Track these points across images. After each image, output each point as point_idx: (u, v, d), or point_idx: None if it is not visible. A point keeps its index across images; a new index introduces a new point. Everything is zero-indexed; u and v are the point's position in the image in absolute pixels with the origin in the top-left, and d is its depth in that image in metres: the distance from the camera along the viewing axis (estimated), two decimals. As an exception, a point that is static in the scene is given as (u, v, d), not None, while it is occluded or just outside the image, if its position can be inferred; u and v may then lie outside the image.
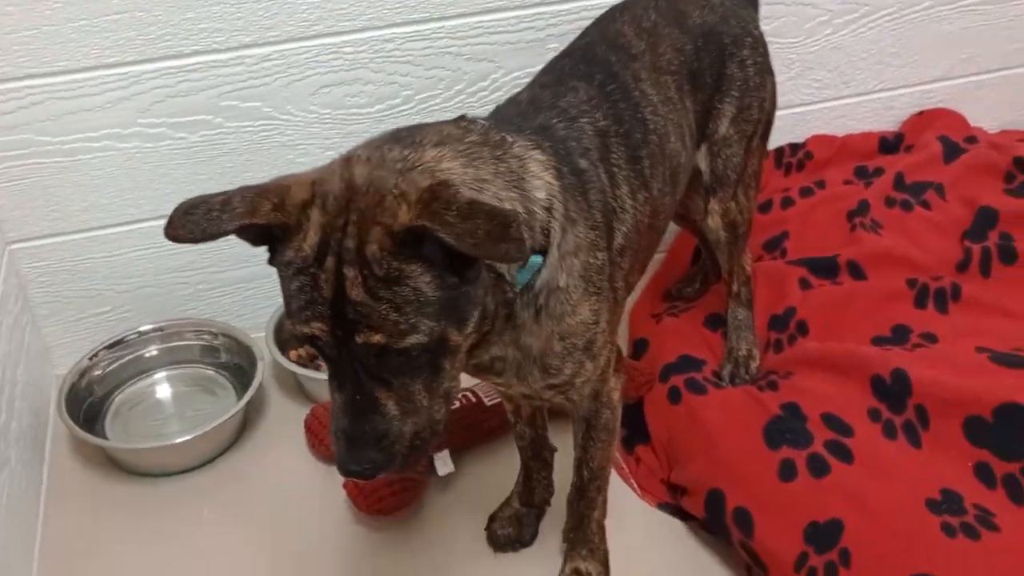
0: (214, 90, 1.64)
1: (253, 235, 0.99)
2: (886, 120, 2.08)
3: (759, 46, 1.50)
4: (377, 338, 0.92)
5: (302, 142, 1.74)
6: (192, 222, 0.98)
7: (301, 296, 0.94)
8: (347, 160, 0.99)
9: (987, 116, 2.12)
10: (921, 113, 2.07)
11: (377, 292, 0.91)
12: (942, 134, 1.96)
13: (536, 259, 1.06)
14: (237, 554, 1.50)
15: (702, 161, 1.50)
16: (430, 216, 0.89)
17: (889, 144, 2.03)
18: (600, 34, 1.37)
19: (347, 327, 0.92)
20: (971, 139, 1.96)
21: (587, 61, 1.31)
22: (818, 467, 1.35)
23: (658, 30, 1.37)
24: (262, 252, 1.67)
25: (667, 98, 1.33)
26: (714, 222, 1.55)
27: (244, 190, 0.97)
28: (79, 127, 1.61)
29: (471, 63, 1.75)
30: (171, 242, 0.98)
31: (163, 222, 1.78)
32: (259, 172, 1.75)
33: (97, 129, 1.62)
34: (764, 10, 1.84)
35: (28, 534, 1.50)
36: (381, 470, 0.99)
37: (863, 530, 1.27)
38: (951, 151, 1.90)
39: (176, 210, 0.99)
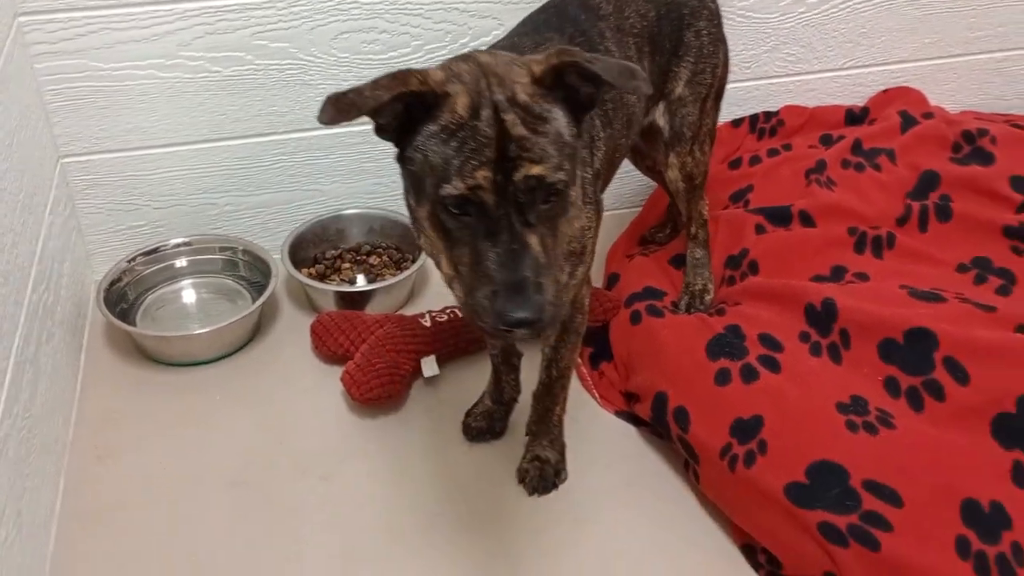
0: (247, 30, 1.86)
1: (393, 116, 1.09)
2: (854, 96, 2.28)
3: (714, 18, 1.69)
4: (537, 170, 1.05)
5: (323, 83, 1.96)
6: (346, 103, 1.05)
7: (463, 151, 1.05)
8: (462, 57, 1.14)
9: (949, 98, 2.32)
10: (886, 91, 2.26)
11: (536, 127, 1.06)
12: (903, 109, 2.15)
13: None
14: (244, 433, 1.72)
15: (661, 118, 1.69)
16: (569, 55, 1.07)
17: (855, 117, 2.22)
18: None
19: (508, 168, 1.04)
20: (928, 115, 2.15)
21: (560, 16, 1.50)
22: (749, 375, 1.55)
23: None
24: (283, 181, 1.94)
25: (627, 56, 1.52)
26: (673, 174, 1.75)
27: (382, 77, 1.06)
28: (128, 56, 1.83)
29: (476, 19, 1.96)
30: (323, 125, 1.06)
31: (197, 147, 2.05)
32: (283, 107, 1.97)
33: (144, 59, 1.85)
34: (742, -14, 2.06)
35: (67, 403, 1.73)
36: (542, 317, 1.05)
37: (779, 425, 1.47)
38: (908, 123, 2.09)
39: (327, 100, 1.05)
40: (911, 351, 1.53)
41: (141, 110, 1.90)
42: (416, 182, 1.13)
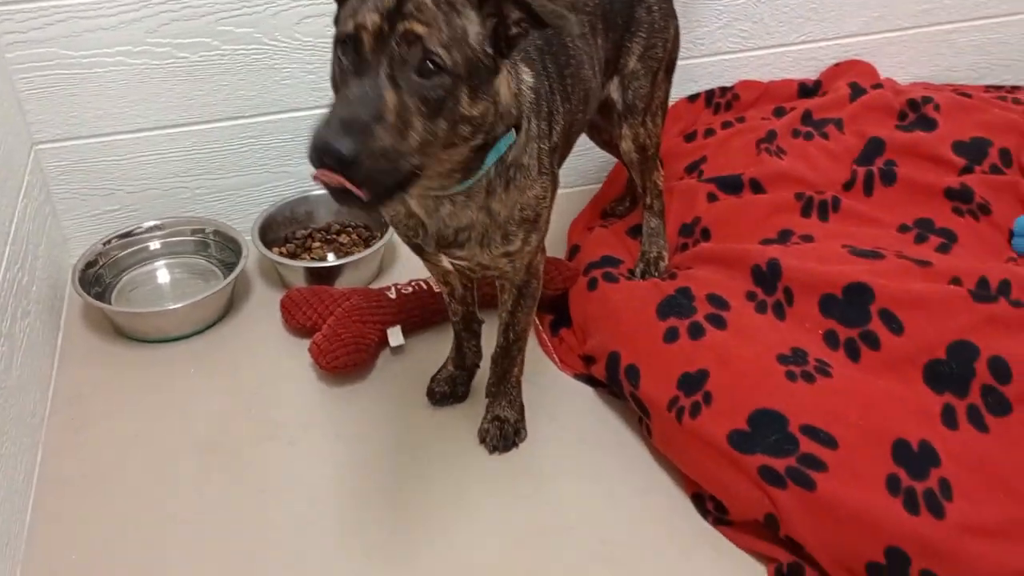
0: (212, 16, 1.92)
1: None
2: (807, 70, 2.34)
3: None
4: (420, 29, 1.08)
5: (288, 66, 2.02)
6: None
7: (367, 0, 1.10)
8: None
9: (900, 70, 2.38)
10: (838, 64, 2.33)
11: (442, 7, 1.11)
12: (853, 81, 2.22)
13: (512, 135, 1.32)
14: (215, 403, 1.78)
15: (615, 92, 1.75)
16: None
17: (808, 90, 2.29)
18: None
19: (396, 21, 1.08)
20: (878, 86, 2.22)
21: None
22: (696, 332, 1.62)
23: None
24: (252, 164, 2.01)
25: (583, 34, 1.58)
26: (627, 145, 1.81)
27: None
28: (96, 44, 1.89)
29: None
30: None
31: (167, 131, 2.12)
32: (250, 91, 2.04)
33: (112, 46, 1.91)
34: (694, -36, 2.12)
35: (44, 379, 1.79)
36: (354, 156, 1.04)
37: (723, 377, 1.54)
38: (857, 94, 2.16)
39: None
40: (849, 305, 1.60)
41: (111, 96, 1.97)
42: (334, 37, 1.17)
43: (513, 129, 1.32)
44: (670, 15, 1.77)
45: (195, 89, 2.00)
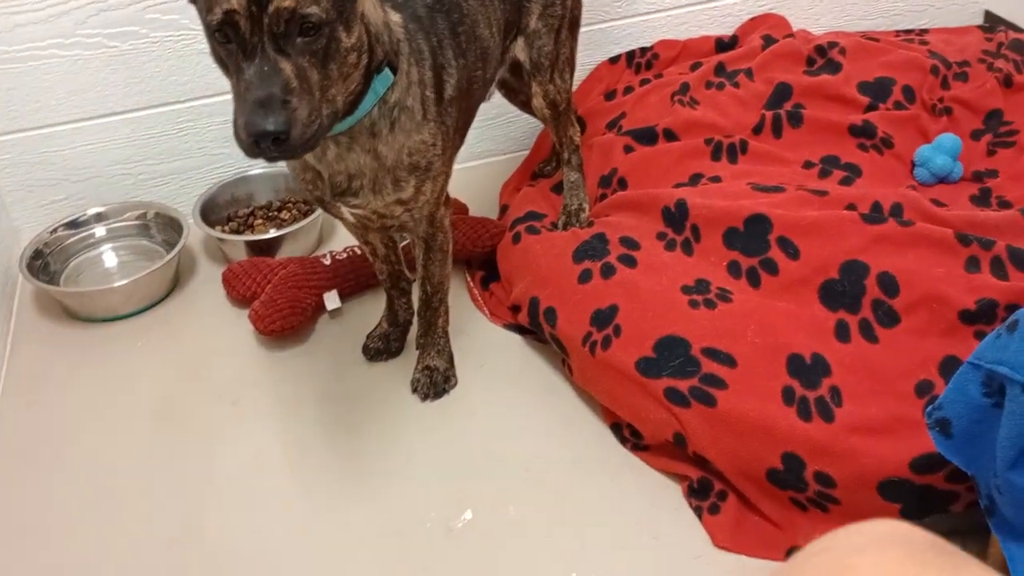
0: (138, 4, 1.99)
1: None
2: (724, 26, 2.43)
3: None
4: (287, 3, 1.13)
5: (217, 51, 2.10)
6: None
7: None
8: None
9: (814, 22, 2.47)
10: (753, 19, 2.41)
11: None
12: (766, 33, 2.31)
13: (390, 74, 1.40)
14: (163, 373, 1.86)
15: (521, 52, 1.83)
16: None
17: (725, 45, 2.37)
18: None
19: (262, 0, 1.13)
20: (789, 36, 2.30)
21: None
22: (608, 271, 1.71)
23: None
24: (191, 148, 2.08)
25: None
26: (537, 102, 1.89)
27: None
28: (28, 37, 1.97)
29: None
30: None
31: (105, 120, 2.19)
32: (183, 76, 2.12)
33: (43, 39, 1.98)
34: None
35: (-3, 360, 1.88)
36: (288, 132, 1.15)
37: (632, 310, 1.62)
38: (769, 45, 2.25)
39: None
40: (750, 236, 1.68)
41: (46, 89, 2.04)
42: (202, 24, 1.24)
43: (388, 70, 1.40)
44: None
45: (129, 78, 2.08)
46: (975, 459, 1.22)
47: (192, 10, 1.99)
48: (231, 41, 1.18)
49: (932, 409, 1.24)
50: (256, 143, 1.16)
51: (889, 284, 1.55)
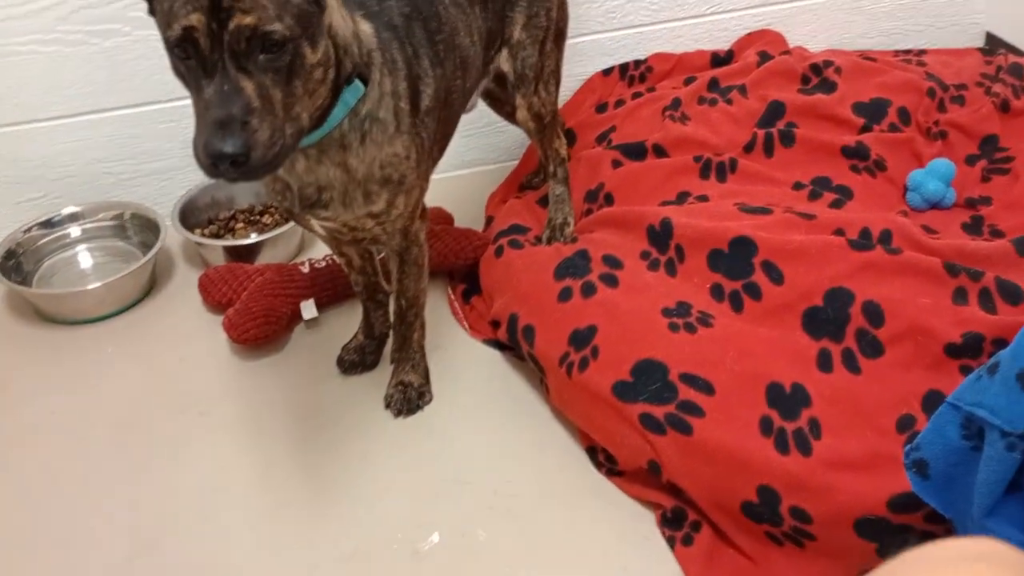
0: (120, 2, 1.96)
1: None
2: (720, 40, 2.38)
3: None
4: (248, 20, 1.10)
5: (201, 51, 2.06)
6: None
7: None
8: None
9: (811, 39, 2.42)
10: (750, 34, 2.37)
11: None
12: (762, 50, 2.27)
13: (361, 86, 1.36)
14: (132, 380, 1.82)
15: (505, 63, 1.79)
16: None
17: (720, 60, 2.33)
18: None
19: (222, 17, 1.10)
20: (785, 53, 2.26)
21: None
22: (588, 290, 1.66)
23: None
24: (172, 148, 2.04)
25: (457, 3, 1.61)
26: (522, 115, 1.85)
27: None
28: (8, 32, 1.93)
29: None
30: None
31: (85, 118, 2.15)
32: (166, 75, 2.04)
33: (24, 34, 1.94)
34: (597, -63, 2.17)
35: (-36, 361, 1.84)
36: (247, 155, 1.11)
37: (610, 332, 1.58)
38: (764, 61, 2.21)
39: None
40: (734, 258, 1.64)
41: (25, 85, 2.00)
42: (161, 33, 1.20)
43: (359, 81, 1.36)
44: None
45: (111, 75, 2.04)
46: (952, 502, 1.18)
47: None
48: (190, 57, 1.14)
49: (910, 449, 1.19)
50: (215, 165, 1.13)
51: (874, 313, 1.51)
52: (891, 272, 1.55)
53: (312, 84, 1.24)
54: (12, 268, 2.00)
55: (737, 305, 1.61)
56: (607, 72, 2.33)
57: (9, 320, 1.99)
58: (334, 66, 1.29)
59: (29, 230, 2.07)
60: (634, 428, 1.48)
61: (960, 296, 1.52)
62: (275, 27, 1.13)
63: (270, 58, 1.15)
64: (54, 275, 2.06)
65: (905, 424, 1.40)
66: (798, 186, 1.88)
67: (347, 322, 1.91)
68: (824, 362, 1.50)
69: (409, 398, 1.72)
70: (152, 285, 2.05)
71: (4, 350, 1.91)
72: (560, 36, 1.85)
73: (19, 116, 2.04)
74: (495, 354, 1.85)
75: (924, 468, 1.18)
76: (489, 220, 2.10)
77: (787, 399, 1.44)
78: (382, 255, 1.81)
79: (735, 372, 1.48)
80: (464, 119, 1.77)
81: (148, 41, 2.02)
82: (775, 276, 1.60)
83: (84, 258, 2.10)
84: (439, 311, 1.94)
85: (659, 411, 1.47)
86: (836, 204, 1.83)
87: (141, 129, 2.12)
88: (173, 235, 2.09)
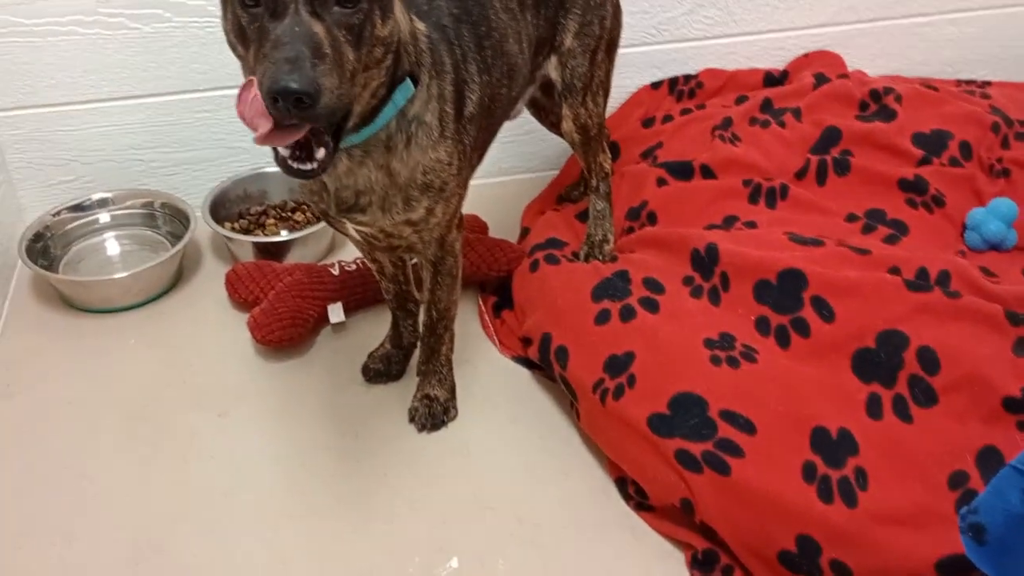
0: (165, -14, 1.93)
1: None
2: (775, 60, 2.31)
3: None
4: None
5: (243, 41, 2.01)
6: None
7: None
8: None
9: (870, 63, 2.34)
10: (807, 55, 2.29)
11: None
12: (819, 71, 2.19)
13: (411, 86, 1.31)
14: (150, 373, 1.78)
15: (553, 71, 1.73)
16: None
17: (774, 79, 2.25)
18: None
19: None
20: (843, 76, 2.18)
21: None
22: (627, 314, 1.60)
23: None
24: (207, 139, 1.98)
25: (508, 7, 1.55)
26: (567, 126, 1.79)
27: None
28: (48, 12, 1.89)
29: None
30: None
31: (120, 103, 2.11)
32: (204, 65, 2.03)
33: (64, 15, 1.90)
34: (657, -52, 2.10)
35: (-17, 344, 1.80)
36: (316, 95, 1.04)
37: (649, 360, 1.52)
38: (820, 84, 2.13)
39: None
40: (782, 291, 1.57)
41: (63, 66, 1.96)
42: None
43: (410, 80, 1.30)
44: None
45: (149, 61, 2.00)
46: (1009, 571, 1.11)
47: None
48: (258, 4, 1.09)
49: (966, 511, 1.12)
50: (276, 101, 1.04)
51: (929, 360, 1.43)
52: (949, 317, 1.48)
53: (374, 58, 1.19)
54: (39, 252, 1.96)
55: (784, 341, 1.54)
56: (656, 85, 2.26)
57: (34, 304, 1.95)
58: (393, 53, 1.24)
59: (58, 213, 2.03)
60: (668, 464, 1.41)
61: (1021, 347, 1.44)
62: None
63: (344, 12, 1.11)
64: (81, 261, 2.02)
65: (958, 480, 1.32)
66: (851, 218, 1.81)
67: (374, 329, 1.86)
68: (874, 408, 1.42)
69: (434, 413, 1.66)
70: (179, 277, 2.01)
71: (26, 334, 1.87)
72: (612, 46, 1.78)
73: (54, 97, 2.00)
74: (524, 372, 1.78)
75: (981, 533, 1.10)
76: (525, 231, 2.04)
77: (832, 445, 1.37)
78: (414, 262, 1.76)
79: (778, 412, 1.41)
80: (504, 125, 1.71)
81: (188, 28, 1.98)
82: (825, 313, 1.52)
83: (112, 245, 2.06)
84: (469, 324, 1.88)
85: (696, 448, 1.40)
86: (890, 239, 1.75)
87: (176, 117, 2.08)
88: (202, 227, 2.04)
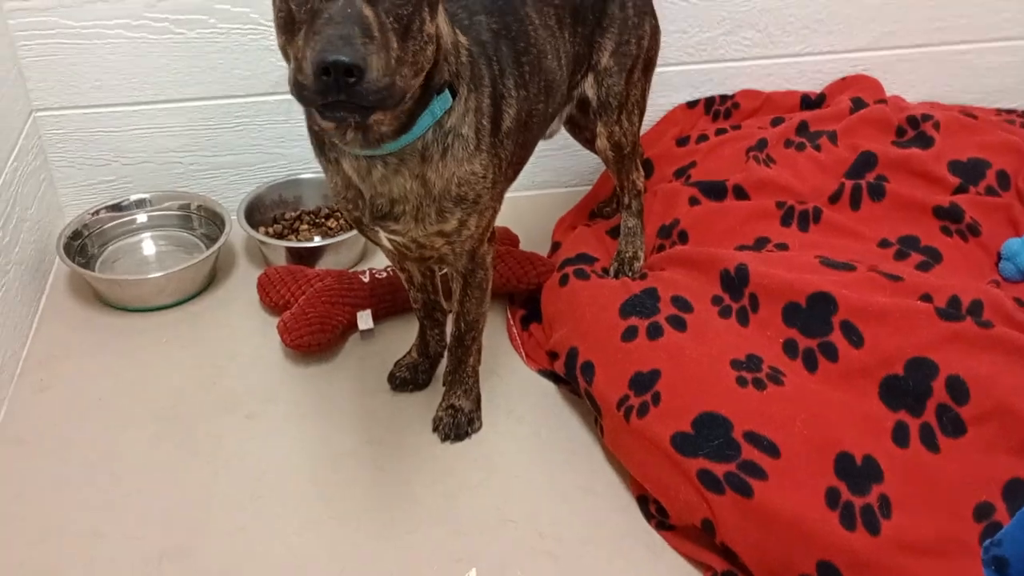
0: (210, -8, 1.96)
1: None
2: (814, 83, 2.30)
3: None
4: None
5: (283, 49, 2.04)
6: None
7: None
8: None
9: (910, 89, 2.33)
10: (844, 78, 2.28)
11: None
12: (856, 96, 2.18)
13: (449, 97, 1.33)
14: (180, 373, 1.80)
15: (589, 89, 1.73)
16: None
17: (811, 102, 2.25)
18: None
19: None
20: (882, 102, 2.17)
21: None
22: (655, 332, 1.60)
23: None
24: (245, 144, 1.96)
25: (547, 25, 1.57)
26: (601, 143, 1.79)
27: None
28: (96, 15, 1.94)
29: None
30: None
31: (162, 106, 2.15)
32: (245, 71, 2.06)
33: (111, 18, 1.94)
34: (696, -32, 2.10)
35: (19, 339, 1.82)
36: (363, 70, 1.07)
37: (674, 378, 1.51)
38: (858, 108, 2.12)
39: None
40: (811, 314, 1.56)
41: (108, 68, 2.00)
42: None
43: (448, 92, 1.31)
44: (646, 12, 1.74)
45: (191, 66, 2.03)
46: (1034, 606, 1.09)
47: (262, 5, 1.99)
48: None
49: (990, 544, 1.11)
50: (324, 73, 1.06)
51: (959, 389, 1.42)
52: (980, 347, 1.46)
53: (424, 55, 1.20)
54: (77, 249, 2.00)
55: (811, 364, 1.53)
56: (691, 105, 2.26)
57: (70, 301, 1.98)
58: (433, 57, 1.25)
59: (97, 212, 2.07)
60: (691, 483, 1.41)
61: (1053, 380, 1.42)
62: None
63: (395, 2, 1.13)
64: (117, 260, 2.06)
65: (983, 512, 1.31)
66: (884, 244, 1.79)
67: (402, 337, 1.87)
68: (900, 436, 1.41)
69: (458, 423, 1.66)
70: (212, 279, 2.03)
71: (62, 330, 1.91)
72: (649, 66, 1.79)
73: (98, 99, 2.04)
74: (550, 386, 1.79)
75: (1004, 567, 1.09)
76: (555, 245, 2.04)
77: (857, 471, 1.36)
78: (443, 272, 1.77)
79: (803, 436, 1.40)
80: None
81: (231, 35, 2.01)
82: (855, 338, 1.51)
83: (148, 245, 2.09)
84: (496, 335, 1.89)
85: (719, 468, 1.39)
86: (923, 266, 1.74)
87: (216, 122, 2.11)
88: (237, 230, 2.07)
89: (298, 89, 1.12)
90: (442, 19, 1.28)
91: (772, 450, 1.39)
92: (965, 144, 2.00)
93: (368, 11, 1.11)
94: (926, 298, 1.58)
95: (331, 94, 1.09)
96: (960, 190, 1.91)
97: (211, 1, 1.96)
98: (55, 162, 2.10)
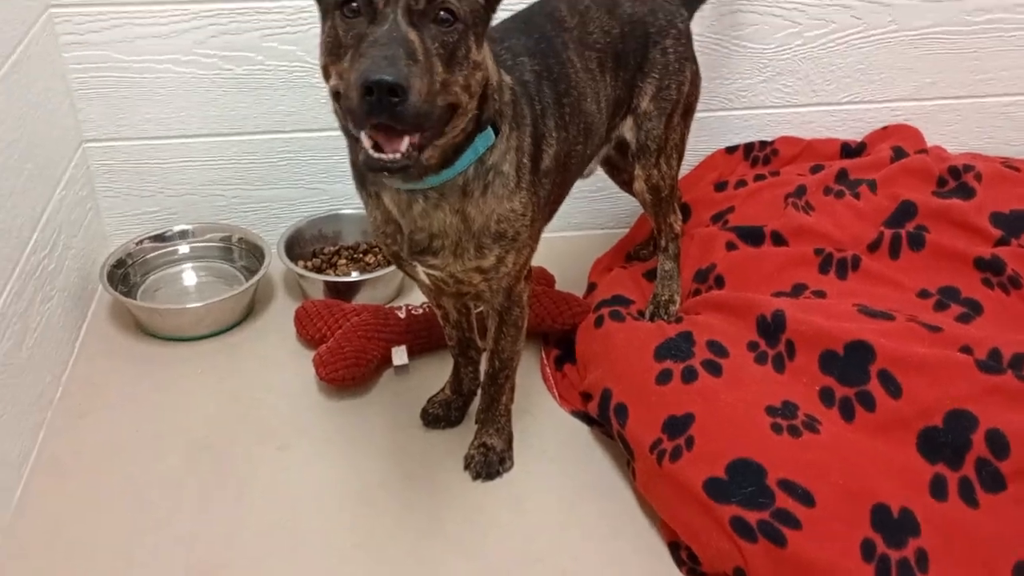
0: (257, 32, 2.00)
1: None
2: (854, 131, 2.29)
3: (682, 37, 1.74)
4: None
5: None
6: None
7: None
8: None
9: (952, 139, 2.31)
10: (885, 127, 2.28)
11: None
12: (897, 145, 2.17)
13: (492, 134, 1.34)
14: (215, 404, 1.82)
15: (628, 132, 1.75)
16: None
17: (851, 151, 2.24)
18: (540, 8, 1.63)
19: None
20: (922, 151, 2.16)
21: (526, 23, 1.58)
22: (689, 376, 1.59)
23: (589, 13, 1.63)
24: (288, 178, 1.99)
25: (588, 68, 1.59)
26: (639, 186, 1.80)
27: None
28: (148, 50, 1.99)
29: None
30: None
31: (209, 140, 2.19)
32: (290, 107, 2.10)
33: (162, 53, 2.00)
34: (737, 17, 2.12)
35: (60, 364, 1.85)
36: (407, 89, 1.08)
37: (708, 423, 1.50)
38: (899, 157, 2.11)
39: None
40: (849, 363, 1.55)
41: (158, 102, 2.05)
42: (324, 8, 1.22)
43: (491, 130, 1.33)
44: (687, 59, 1.76)
45: (238, 101, 2.08)
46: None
47: (309, 43, 2.03)
48: (359, 14, 1.14)
49: (1033, 603, 1.08)
50: (368, 93, 1.07)
51: (998, 443, 1.39)
52: (1021, 400, 1.44)
53: (470, 78, 1.22)
54: (120, 278, 2.03)
55: (848, 414, 1.51)
56: (731, 150, 2.26)
57: (111, 328, 2.01)
58: (479, 93, 1.27)
59: (141, 242, 2.11)
60: (723, 530, 1.39)
61: (1096, 437, 1.39)
62: (453, 1, 1.16)
63: (441, 29, 1.16)
64: (158, 290, 2.09)
65: (1022, 570, 1.28)
66: (924, 294, 1.78)
67: (436, 373, 1.87)
68: (938, 489, 1.39)
69: (490, 462, 1.66)
70: (250, 311, 2.06)
71: (102, 357, 1.93)
72: (689, 111, 1.80)
73: (146, 131, 2.08)
74: (582, 428, 1.78)
75: (1045, 628, 1.07)
76: (591, 287, 2.05)
77: (894, 524, 1.34)
78: (479, 310, 1.78)
79: (839, 486, 1.38)
80: (576, 182, 1.73)
81: (278, 72, 2.05)
82: (892, 388, 1.49)
83: (188, 276, 2.13)
84: (530, 375, 1.89)
85: (752, 516, 1.37)
86: (963, 318, 1.72)
87: (260, 156, 2.15)
88: (276, 263, 2.10)
89: (340, 108, 1.16)
90: (488, 57, 1.31)
91: (807, 499, 1.38)
92: (1007, 196, 1.99)
93: (413, 35, 1.14)
94: (966, 350, 1.56)
95: (374, 114, 1.10)
96: (1001, 242, 1.89)
97: (259, 40, 2.01)
98: (102, 192, 2.15)
